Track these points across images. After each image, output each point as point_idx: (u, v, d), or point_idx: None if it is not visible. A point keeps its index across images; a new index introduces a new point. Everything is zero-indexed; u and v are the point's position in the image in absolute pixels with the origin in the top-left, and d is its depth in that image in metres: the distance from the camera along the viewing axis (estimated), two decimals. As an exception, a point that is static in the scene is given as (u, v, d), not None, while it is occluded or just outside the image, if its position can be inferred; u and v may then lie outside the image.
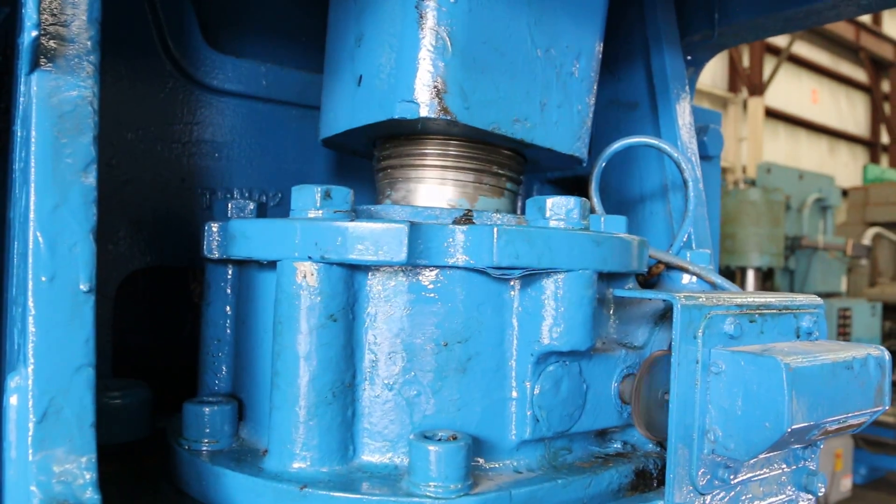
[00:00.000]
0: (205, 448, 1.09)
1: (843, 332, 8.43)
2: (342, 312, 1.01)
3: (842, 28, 18.59)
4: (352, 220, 0.99)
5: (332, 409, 0.99)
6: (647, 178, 1.71)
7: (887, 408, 1.15)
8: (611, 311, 1.21)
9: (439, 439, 0.95)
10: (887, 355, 1.15)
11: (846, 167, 19.48)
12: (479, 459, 1.03)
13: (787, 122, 18.24)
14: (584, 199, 1.09)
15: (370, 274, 1.03)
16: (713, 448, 1.02)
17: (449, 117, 1.17)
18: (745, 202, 8.44)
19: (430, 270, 1.03)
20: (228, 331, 1.26)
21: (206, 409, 1.11)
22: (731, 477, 1.06)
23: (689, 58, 2.00)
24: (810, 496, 1.23)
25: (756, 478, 1.12)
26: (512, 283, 1.05)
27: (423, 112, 1.16)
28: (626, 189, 1.75)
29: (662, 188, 1.68)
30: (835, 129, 19.84)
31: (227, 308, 1.27)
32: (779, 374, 0.95)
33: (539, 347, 1.03)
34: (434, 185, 1.28)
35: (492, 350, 1.04)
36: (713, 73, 16.28)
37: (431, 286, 1.03)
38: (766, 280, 8.72)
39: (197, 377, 1.29)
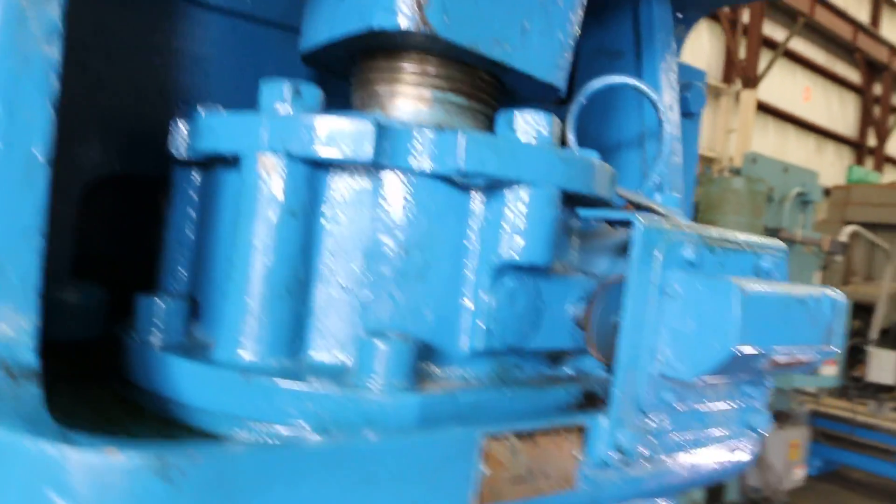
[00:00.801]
0: (155, 340, 1.09)
1: (813, 325, 8.54)
2: (302, 209, 1.00)
3: (840, 27, 18.63)
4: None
5: (284, 304, 0.99)
6: (626, 126, 1.71)
7: (837, 351, 1.17)
8: (574, 240, 1.21)
9: (388, 338, 0.95)
10: (843, 298, 1.17)
11: (832, 166, 19.65)
12: (429, 366, 1.03)
13: (778, 117, 18.34)
14: (556, 118, 1.09)
15: (334, 173, 1.02)
16: (661, 369, 1.04)
17: (428, 30, 1.15)
18: (728, 190, 8.47)
19: (395, 174, 1.02)
20: (190, 235, 1.25)
21: (158, 302, 1.10)
22: (677, 402, 1.08)
23: (679, 15, 2.00)
24: (754, 434, 1.25)
25: (701, 407, 1.13)
26: (475, 193, 1.05)
27: (402, 22, 1.15)
28: (605, 137, 1.75)
29: (639, 137, 1.68)
30: (823, 128, 19.98)
31: (191, 211, 1.26)
32: (731, 296, 0.96)
33: (497, 260, 1.03)
34: (409, 104, 1.27)
35: (450, 259, 1.04)
36: (709, 62, 16.29)
37: (394, 190, 1.03)
38: (743, 269, 8.78)
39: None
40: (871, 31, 20.20)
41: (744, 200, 8.39)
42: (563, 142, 1.39)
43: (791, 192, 9.12)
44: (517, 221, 1.02)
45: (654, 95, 1.42)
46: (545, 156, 1.03)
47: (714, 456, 1.22)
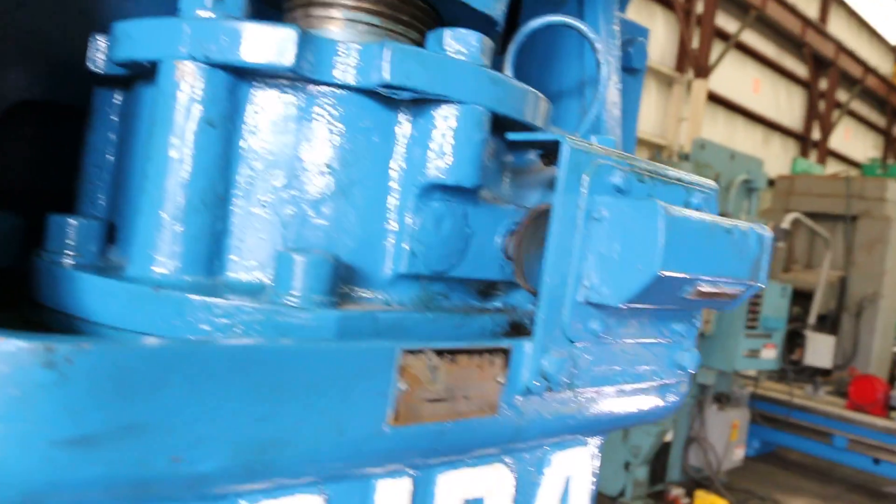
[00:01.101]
0: (66, 260, 1.04)
1: (754, 310, 8.77)
2: (221, 120, 0.96)
3: (789, 22, 19.05)
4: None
5: (200, 218, 0.95)
6: (567, 73, 1.70)
7: (763, 286, 1.18)
8: (507, 175, 1.20)
9: (307, 252, 0.92)
10: (770, 234, 1.18)
11: (777, 158, 20.14)
12: (351, 288, 1.00)
13: (727, 107, 18.70)
14: (488, 39, 1.06)
15: (256, 85, 0.98)
16: (587, 295, 1.03)
17: (360, -49, 1.12)
18: (676, 175, 8.58)
19: (319, 87, 0.99)
20: (110, 158, 1.20)
21: (71, 221, 1.05)
22: (603, 332, 1.07)
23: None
24: (683, 374, 1.26)
25: (628, 340, 1.13)
26: (402, 112, 1.02)
27: (333, -58, 1.11)
28: (546, 84, 1.74)
29: (579, 84, 1.67)
30: (771, 120, 20.45)
31: (111, 135, 1.20)
32: (655, 218, 0.95)
33: (424, 180, 1.00)
34: (339, 30, 1.23)
35: (375, 178, 1.01)
36: (662, 50, 16.49)
37: (318, 105, 0.99)
38: (688, 253, 8.95)
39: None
40: (818, 27, 20.71)
41: (691, 185, 8.50)
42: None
43: (737, 179, 9.31)
44: (444, 141, 1.00)
45: (591, 35, 1.41)
46: (474, 73, 1.00)
47: (643, 393, 1.22)
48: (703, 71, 16.11)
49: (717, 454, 8.90)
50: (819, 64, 21.46)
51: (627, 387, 1.17)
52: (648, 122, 16.00)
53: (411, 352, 0.87)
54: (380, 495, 0.92)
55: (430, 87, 0.97)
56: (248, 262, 0.98)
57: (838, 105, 22.94)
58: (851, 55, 22.69)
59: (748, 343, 8.79)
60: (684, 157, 8.90)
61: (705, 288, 1.05)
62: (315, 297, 0.89)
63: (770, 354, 9.11)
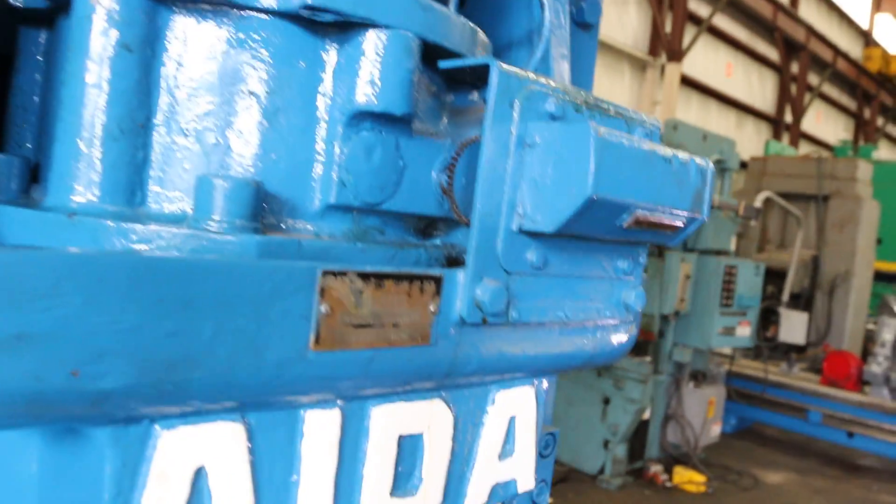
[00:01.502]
0: (-16, 199, 1.00)
1: (728, 287, 8.84)
2: (140, 45, 0.92)
3: (761, 6, 19.16)
4: (155, -58, 0.91)
5: (118, 146, 0.92)
6: (516, 25, 1.68)
7: (705, 218, 1.17)
8: (446, 112, 1.17)
9: (228, 177, 0.89)
10: (711, 168, 1.17)
11: (750, 141, 20.30)
12: (279, 218, 0.98)
13: (701, 91, 18.80)
14: (417, -35, 1.03)
15: (176, 10, 0.95)
16: (521, 223, 1.01)
17: None
18: (649, 155, 8.62)
19: (241, 12, 0.96)
20: (36, 99, 1.16)
21: (-10, 158, 1.01)
22: (541, 264, 1.06)
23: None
24: (628, 312, 1.24)
25: (569, 274, 1.11)
26: (329, 38, 0.99)
27: None
28: (496, 37, 1.71)
29: (528, 35, 1.65)
30: (744, 104, 20.60)
31: (37, 76, 1.16)
32: (587, 139, 0.93)
33: (351, 107, 0.98)
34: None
35: (302, 106, 0.98)
36: (635, 34, 16.52)
37: (241, 30, 0.96)
38: (662, 233, 9.01)
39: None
40: (789, 12, 20.84)
41: (664, 165, 8.54)
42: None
43: (710, 159, 9.34)
44: (372, 67, 0.97)
45: (534, -24, 1.38)
46: (401, -3, 0.98)
47: (588, 332, 1.21)
48: (677, 55, 16.16)
49: (694, 431, 8.99)
50: (790, 48, 21.62)
51: (570, 324, 1.15)
52: (623, 104, 16.04)
53: (333, 273, 0.85)
54: (308, 427, 0.90)
55: (353, 9, 0.94)
56: (171, 192, 0.95)
57: (810, 88, 23.15)
58: (822, 39, 22.89)
59: (723, 321, 8.87)
60: (657, 138, 8.91)
61: (643, 216, 1.04)
62: (236, 222, 0.87)
63: (745, 332, 9.20)
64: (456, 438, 1.07)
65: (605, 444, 8.50)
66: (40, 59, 1.16)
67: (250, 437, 0.84)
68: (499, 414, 1.13)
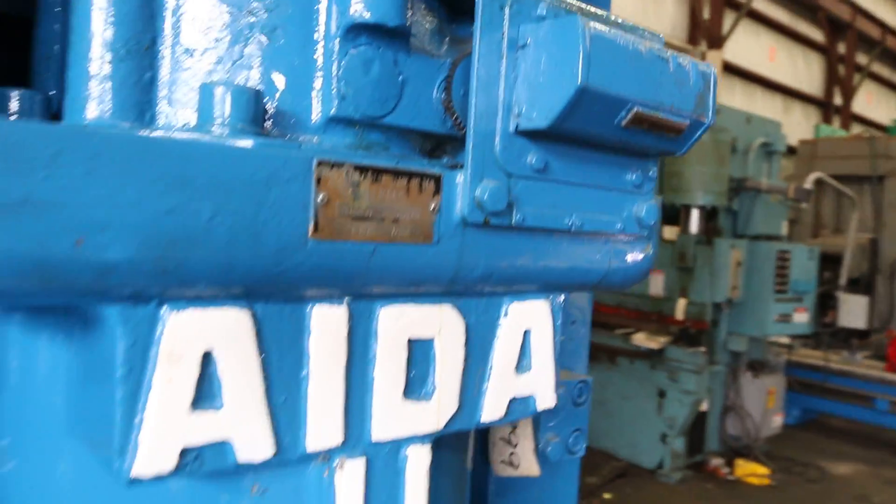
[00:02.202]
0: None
1: (782, 272, 8.63)
2: (141, -29, 0.97)
3: (802, -12, 18.71)
4: None
5: (126, 66, 0.96)
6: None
7: (711, 122, 1.16)
8: (446, 38, 1.19)
9: (228, 83, 0.92)
10: (713, 72, 1.16)
11: (799, 126, 19.79)
12: (283, 132, 1.01)
13: (744, 77, 18.42)
14: None
15: (174, -64, 0.99)
16: (517, 123, 1.02)
17: None
18: (692, 141, 8.50)
19: (235, -67, 1.00)
20: (56, 48, 1.22)
21: (12, 93, 1.08)
22: (543, 167, 1.06)
23: None
24: (641, 227, 1.24)
25: (572, 182, 1.12)
26: (322, -47, 1.02)
27: None
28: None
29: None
30: (790, 88, 20.10)
31: (56, 26, 1.23)
32: (575, 30, 0.94)
33: (347, 19, 1.01)
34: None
35: (301, 21, 1.02)
36: (673, 22, 16.30)
37: (237, -48, 1.00)
38: (710, 219, 8.87)
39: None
40: (833, -9, 20.34)
41: (708, 150, 8.43)
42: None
43: (755, 142, 9.17)
44: (364, -22, 1.00)
45: None
46: None
47: (599, 245, 1.21)
48: (717, 42, 15.90)
49: (755, 422, 8.77)
50: (835, 27, 21.05)
51: (580, 235, 1.16)
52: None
53: (329, 164, 0.87)
54: (315, 322, 0.92)
55: (341, -78, 0.97)
56: (179, 111, 0.99)
57: (858, 69, 22.47)
58: (869, 16, 22.21)
59: (779, 307, 8.65)
60: (698, 123, 8.76)
61: (642, 113, 1.04)
62: (238, 126, 0.90)
63: (802, 318, 8.96)
64: (469, 347, 1.09)
65: (663, 437, 8.34)
66: (58, 9, 1.22)
67: (258, 328, 0.87)
68: (513, 326, 1.13)
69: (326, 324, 0.93)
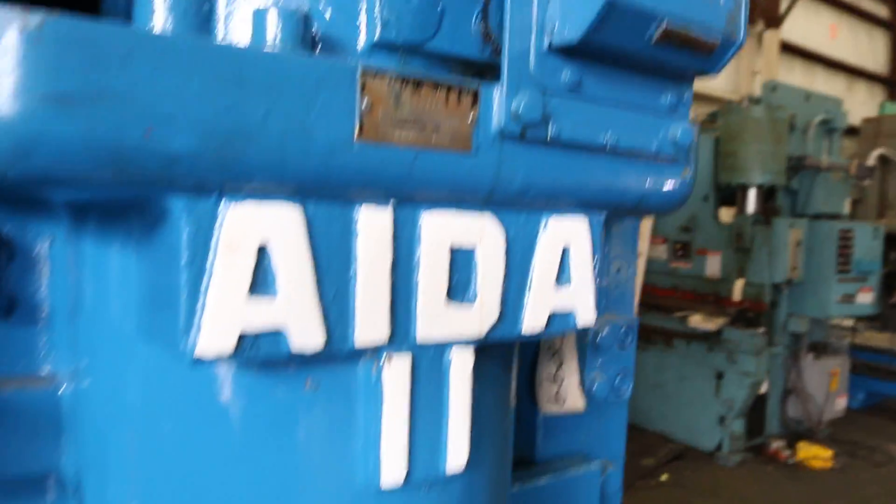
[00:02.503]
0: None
1: (844, 252, 8.40)
2: None
3: (864, -38, 18.05)
4: None
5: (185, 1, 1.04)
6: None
7: (742, 42, 1.18)
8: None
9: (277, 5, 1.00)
10: (744, -10, 1.18)
11: (864, 105, 19.12)
12: (329, 56, 1.07)
13: (804, 57, 17.89)
14: None
15: None
16: (550, 39, 1.07)
17: None
18: (748, 119, 8.36)
19: None
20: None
21: None
22: (578, 84, 1.11)
23: None
24: (678, 148, 1.27)
25: (607, 99, 1.16)
26: None
27: None
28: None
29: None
30: (853, 66, 19.43)
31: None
32: (603, -59, 0.99)
33: (388, -52, 1.07)
34: None
35: (343, -49, 1.08)
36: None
37: None
38: (768, 199, 8.68)
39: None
40: (898, -36, 19.58)
41: (765, 128, 8.26)
42: None
43: (814, 120, 8.94)
44: None
45: None
46: None
47: (635, 165, 1.24)
48: (774, 21, 15.49)
49: (817, 404, 8.57)
50: (902, 2, 20.27)
51: (616, 152, 1.19)
52: (719, 78, 15.52)
53: (372, 73, 0.94)
54: (362, 224, 0.99)
55: None
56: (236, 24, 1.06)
57: (927, 44, 21.55)
58: (938, -11, 21.29)
59: (841, 288, 8.43)
60: (755, 101, 8.61)
61: (672, 28, 1.07)
62: (288, 48, 0.97)
63: (866, 299, 8.71)
64: (509, 258, 1.14)
65: (721, 420, 8.23)
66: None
67: (309, 224, 0.94)
68: (552, 241, 1.18)
69: (372, 225, 0.99)
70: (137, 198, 0.89)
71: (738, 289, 8.42)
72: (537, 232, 1.17)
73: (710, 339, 8.27)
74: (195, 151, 0.82)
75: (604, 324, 1.77)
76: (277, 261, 0.92)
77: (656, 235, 9.08)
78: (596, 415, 1.92)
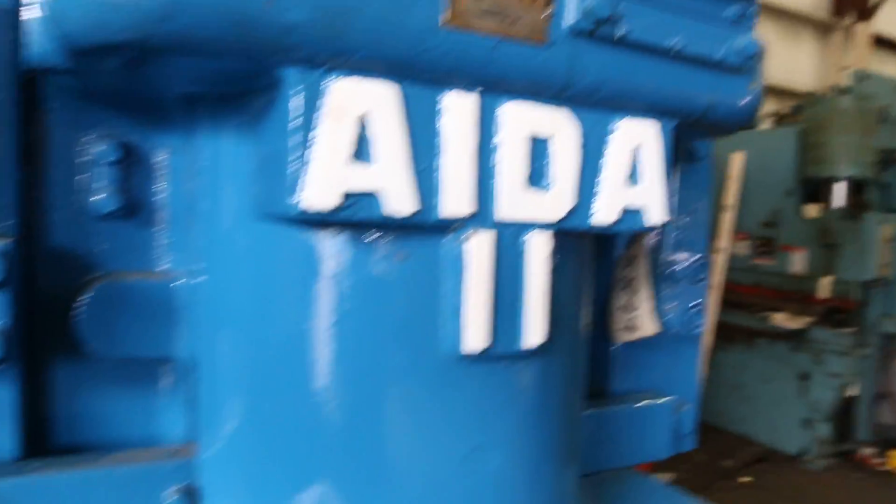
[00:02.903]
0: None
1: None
2: None
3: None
4: None
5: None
6: None
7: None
8: None
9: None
10: None
11: (963, 102, 18.07)
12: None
13: (898, 52, 17.10)
14: None
15: None
16: (622, -60, 1.16)
17: None
18: (834, 110, 8.11)
19: None
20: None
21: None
22: (646, -10, 1.20)
23: None
24: (745, 60, 1.33)
25: (678, 8, 1.24)
26: None
27: None
28: None
29: None
30: (952, 62, 18.41)
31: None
32: None
33: None
34: None
35: None
36: (815, -5, 15.40)
37: None
38: (857, 193, 8.37)
39: None
40: None
41: (852, 120, 7.99)
42: None
43: (908, 111, 8.58)
44: None
45: None
46: None
47: (703, 72, 1.31)
48: (866, 12, 14.86)
49: (911, 410, 8.19)
50: None
51: (684, 57, 1.27)
52: (805, 73, 15.01)
53: (458, -36, 1.05)
54: (449, 104, 1.10)
55: None
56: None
57: None
58: None
59: (937, 287, 8.05)
60: (843, 91, 8.35)
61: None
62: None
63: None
64: (583, 152, 1.23)
65: (806, 423, 7.96)
66: None
67: (403, 101, 1.06)
68: (624, 141, 1.26)
69: (459, 108, 1.10)
70: (254, 71, 1.02)
71: (824, 286, 8.14)
72: (610, 131, 1.25)
73: (795, 339, 8.03)
74: (308, 22, 0.95)
75: (677, 257, 1.83)
76: (376, 131, 1.04)
77: (738, 232, 8.89)
78: (668, 350, 1.98)
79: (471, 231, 1.14)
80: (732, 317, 8.53)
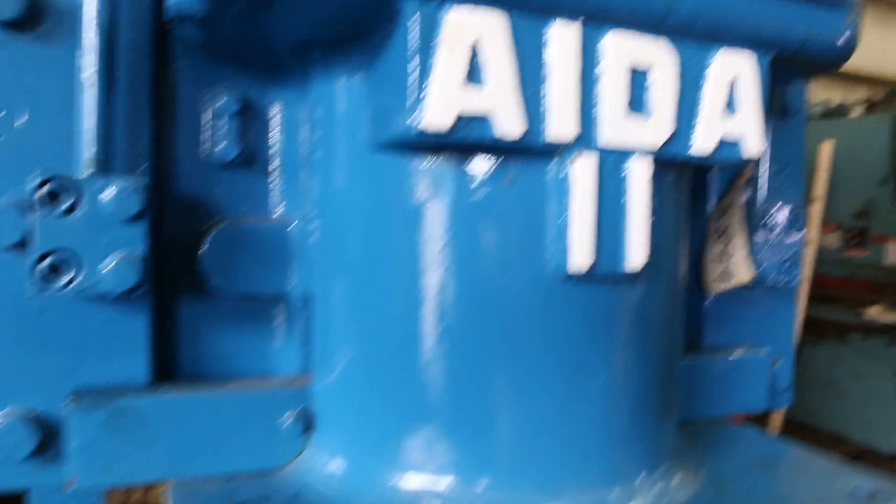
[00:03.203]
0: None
1: None
2: None
3: None
4: None
5: None
6: None
7: None
8: None
9: None
10: None
11: None
12: None
13: None
14: None
15: None
16: None
17: None
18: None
19: None
20: None
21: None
22: None
23: None
24: None
25: None
26: None
27: None
28: None
29: None
30: None
31: None
32: None
33: None
34: None
35: None
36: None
37: None
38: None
39: None
40: None
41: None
42: None
43: None
44: None
45: None
46: None
47: (796, 8, 1.34)
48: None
49: None
50: None
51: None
52: (868, 56, 14.24)
53: None
54: (553, 33, 1.17)
55: None
56: None
57: None
58: None
59: None
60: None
61: None
62: None
63: None
64: (682, 82, 1.27)
65: (906, 421, 7.61)
66: None
67: (512, 29, 1.14)
68: (721, 72, 1.30)
69: (564, 36, 1.17)
70: (373, 6, 1.11)
71: (922, 278, 7.79)
72: (708, 62, 1.30)
73: (891, 333, 7.69)
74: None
75: (773, 208, 1.85)
76: (487, 56, 1.12)
77: (827, 223, 8.59)
78: (763, 303, 1.98)
79: (576, 155, 1.20)
80: (822, 311, 8.24)
